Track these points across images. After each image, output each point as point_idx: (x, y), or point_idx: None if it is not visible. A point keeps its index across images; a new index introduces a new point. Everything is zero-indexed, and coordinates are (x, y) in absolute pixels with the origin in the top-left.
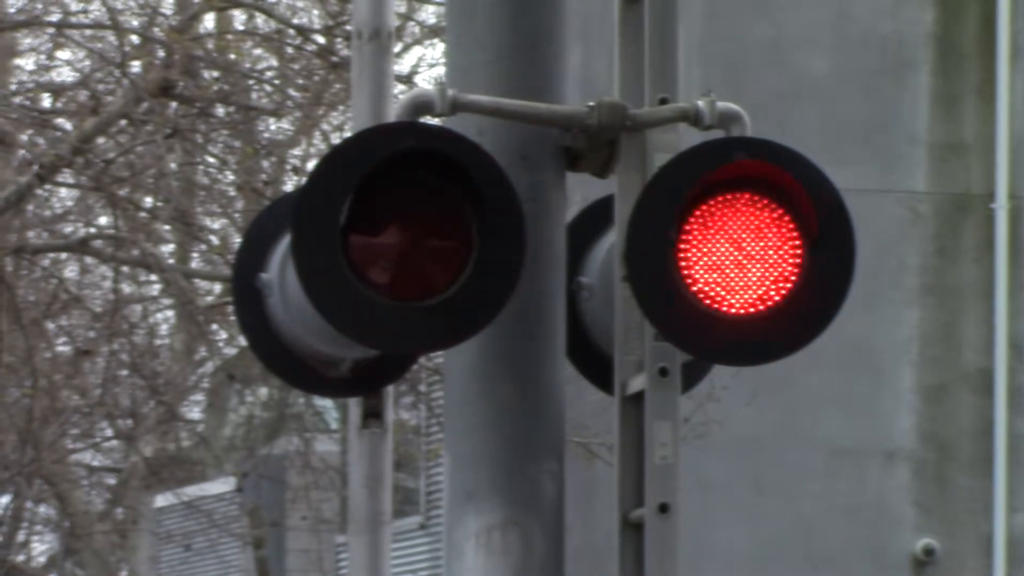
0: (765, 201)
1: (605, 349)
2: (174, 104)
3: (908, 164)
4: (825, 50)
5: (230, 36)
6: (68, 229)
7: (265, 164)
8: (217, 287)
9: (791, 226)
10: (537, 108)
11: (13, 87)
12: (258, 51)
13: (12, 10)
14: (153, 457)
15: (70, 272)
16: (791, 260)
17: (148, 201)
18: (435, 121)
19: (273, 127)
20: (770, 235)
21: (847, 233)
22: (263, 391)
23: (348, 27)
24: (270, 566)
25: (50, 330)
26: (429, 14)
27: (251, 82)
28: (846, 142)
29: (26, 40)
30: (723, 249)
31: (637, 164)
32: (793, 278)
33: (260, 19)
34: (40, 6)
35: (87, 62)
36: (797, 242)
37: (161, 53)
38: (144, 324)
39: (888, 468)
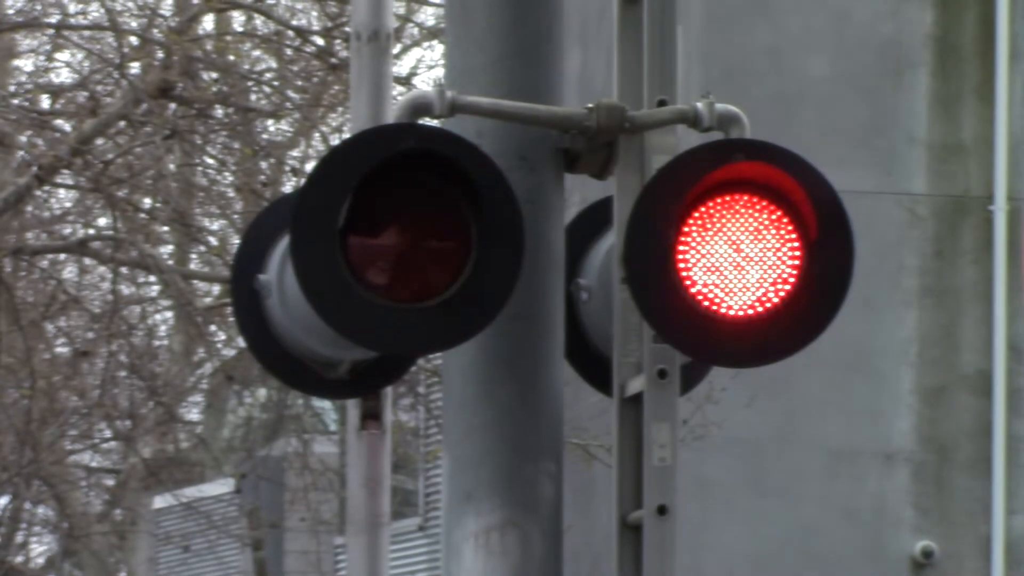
0: (764, 203)
1: (603, 351)
2: (173, 105)
3: (907, 166)
4: (824, 52)
5: (229, 37)
6: (67, 230)
7: (264, 165)
8: (216, 288)
9: (790, 228)
10: (536, 110)
11: (12, 88)
12: (257, 52)
13: (11, 11)
14: (152, 458)
15: (69, 273)
16: (790, 262)
17: (147, 202)
18: (434, 123)
19: (272, 128)
20: (769, 237)
21: (846, 235)
22: (262, 392)
23: (347, 29)
24: (269, 567)
25: (49, 331)
26: (428, 16)
27: (250, 83)
28: (845, 144)
29: (25, 41)
30: (722, 251)
31: (636, 166)
32: (792, 280)
33: (259, 20)
34: (39, 7)
35: (86, 63)
36: (796, 244)
37: (160, 54)
38: (143, 325)
39: (887, 470)
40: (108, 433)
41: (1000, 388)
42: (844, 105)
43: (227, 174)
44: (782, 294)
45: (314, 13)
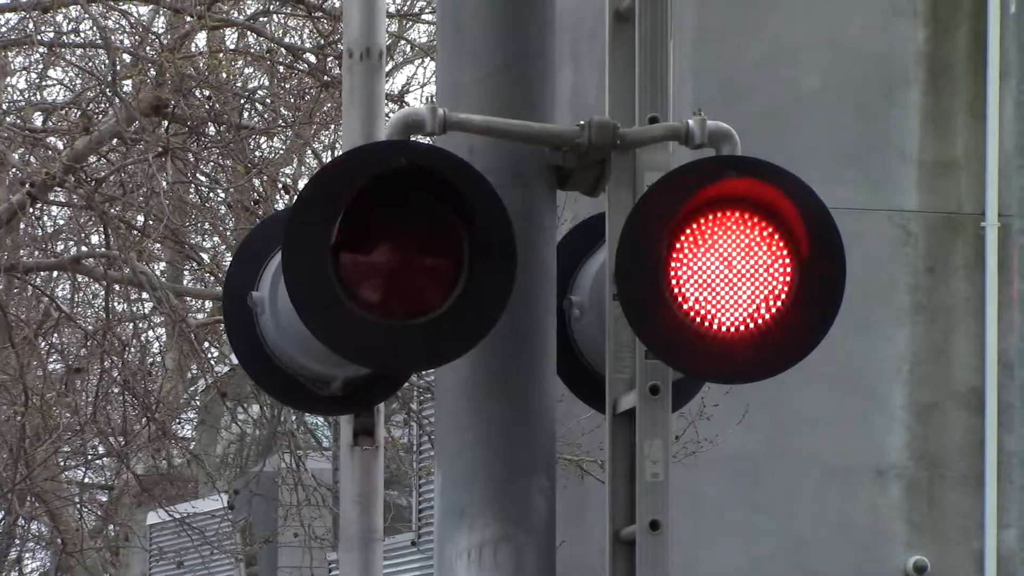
0: (755, 219)
1: (595, 367)
2: (165, 123)
3: (899, 182)
4: (817, 68)
5: (221, 56)
6: (60, 247)
7: (256, 183)
8: (209, 305)
9: (781, 244)
10: (528, 127)
11: (5, 106)
12: (249, 70)
13: (4, 29)
14: (145, 474)
15: (62, 290)
16: (781, 278)
17: (140, 220)
18: (426, 140)
19: (264, 146)
20: (760, 253)
21: (837, 251)
22: (255, 409)
23: (339, 46)
24: None
25: (42, 348)
26: (420, 33)
27: (243, 101)
28: (837, 160)
29: (18, 59)
30: (713, 267)
31: (627, 183)
32: (783, 296)
33: (251, 38)
34: (32, 26)
35: (79, 81)
36: (787, 260)
37: (153, 72)
38: (136, 342)
39: (880, 485)
40: (101, 449)
41: (992, 404)
42: (836, 121)
43: (220, 191)
44: (773, 311)
45: (306, 31)
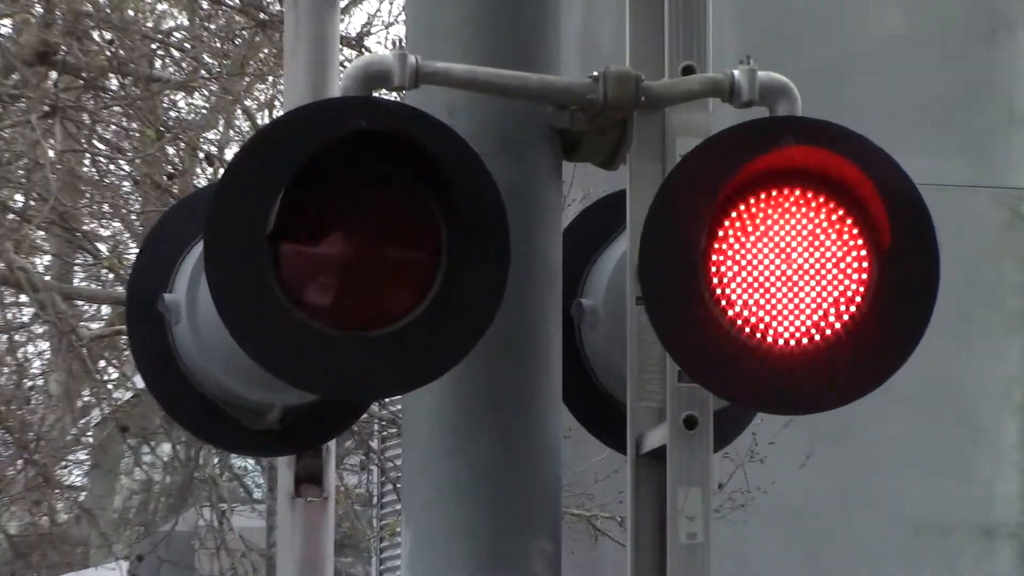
0: (822, 199)
1: (613, 392)
2: (54, 74)
3: (1006, 151)
4: (894, 8)
5: None
6: None
7: (171, 151)
8: (107, 311)
9: (855, 232)
10: (525, 79)
11: None
12: (163, 6)
13: None
14: (20, 535)
15: None
16: (855, 276)
17: (19, 200)
18: (393, 96)
19: (182, 104)
20: (829, 244)
21: (928, 241)
22: (165, 448)
23: None
24: None
25: None
26: None
27: (154, 47)
28: (925, 124)
29: None
30: (768, 262)
31: (655, 152)
32: (858, 300)
33: None
34: None
35: None
36: (863, 253)
37: (39, 9)
38: (11, 360)
39: (986, 547)
40: None
41: None
42: (922, 75)
43: (123, 163)
44: (846, 318)
45: None
